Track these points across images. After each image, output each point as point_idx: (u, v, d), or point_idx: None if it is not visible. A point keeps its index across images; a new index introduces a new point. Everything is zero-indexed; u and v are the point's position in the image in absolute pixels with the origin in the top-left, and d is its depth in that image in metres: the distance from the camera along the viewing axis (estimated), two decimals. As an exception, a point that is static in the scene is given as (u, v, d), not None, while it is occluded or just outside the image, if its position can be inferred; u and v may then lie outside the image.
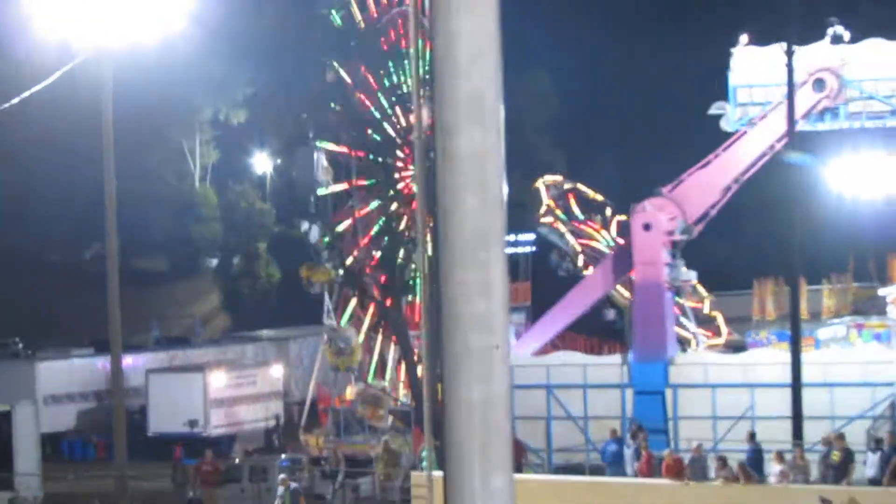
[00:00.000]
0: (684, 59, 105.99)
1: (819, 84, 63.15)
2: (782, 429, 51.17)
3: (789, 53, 56.03)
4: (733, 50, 64.29)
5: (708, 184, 64.06)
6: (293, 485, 49.51)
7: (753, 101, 64.24)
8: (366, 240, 69.22)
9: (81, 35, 56.95)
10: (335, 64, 69.89)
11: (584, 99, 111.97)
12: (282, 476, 50.40)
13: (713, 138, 64.52)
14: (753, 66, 63.69)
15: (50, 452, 69.52)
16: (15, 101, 62.49)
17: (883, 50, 64.06)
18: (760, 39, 63.47)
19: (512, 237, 74.44)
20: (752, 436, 49.35)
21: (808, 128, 63.66)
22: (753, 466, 47.02)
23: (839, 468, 46.56)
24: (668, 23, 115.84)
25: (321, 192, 69.20)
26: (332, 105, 69.78)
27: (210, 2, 73.79)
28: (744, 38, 64.70)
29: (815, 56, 62.54)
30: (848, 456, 46.73)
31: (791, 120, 56.02)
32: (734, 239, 66.58)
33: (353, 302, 70.41)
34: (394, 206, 69.47)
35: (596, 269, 68.06)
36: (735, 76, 64.25)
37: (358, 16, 70.14)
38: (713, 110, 64.86)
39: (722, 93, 64.42)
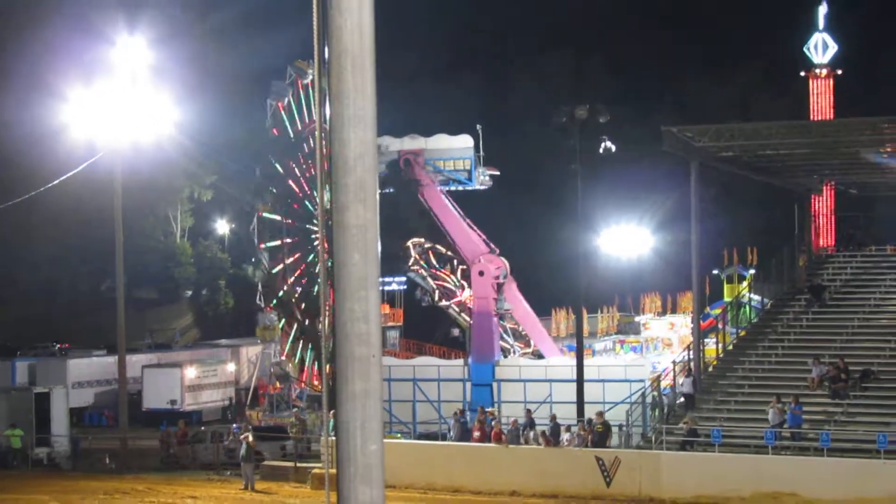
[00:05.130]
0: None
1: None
2: (570, 410, 51.14)
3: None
4: None
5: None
6: (251, 438, 49.35)
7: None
8: (291, 279, 68.87)
9: (101, 137, 56.49)
10: (273, 161, 69.80)
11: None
12: (245, 434, 50.11)
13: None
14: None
15: (76, 421, 68.63)
16: (56, 181, 61.93)
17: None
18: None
19: (388, 279, 74.14)
20: (553, 417, 49.16)
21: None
22: (552, 435, 47.04)
23: (602, 435, 46.58)
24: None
25: (264, 246, 69.16)
26: (270, 188, 69.66)
27: (188, 115, 73.55)
28: None
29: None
30: (607, 428, 46.74)
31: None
32: (530, 275, 66.53)
33: (283, 321, 70.11)
34: (310, 257, 69.22)
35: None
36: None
37: (290, 129, 70.01)
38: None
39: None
